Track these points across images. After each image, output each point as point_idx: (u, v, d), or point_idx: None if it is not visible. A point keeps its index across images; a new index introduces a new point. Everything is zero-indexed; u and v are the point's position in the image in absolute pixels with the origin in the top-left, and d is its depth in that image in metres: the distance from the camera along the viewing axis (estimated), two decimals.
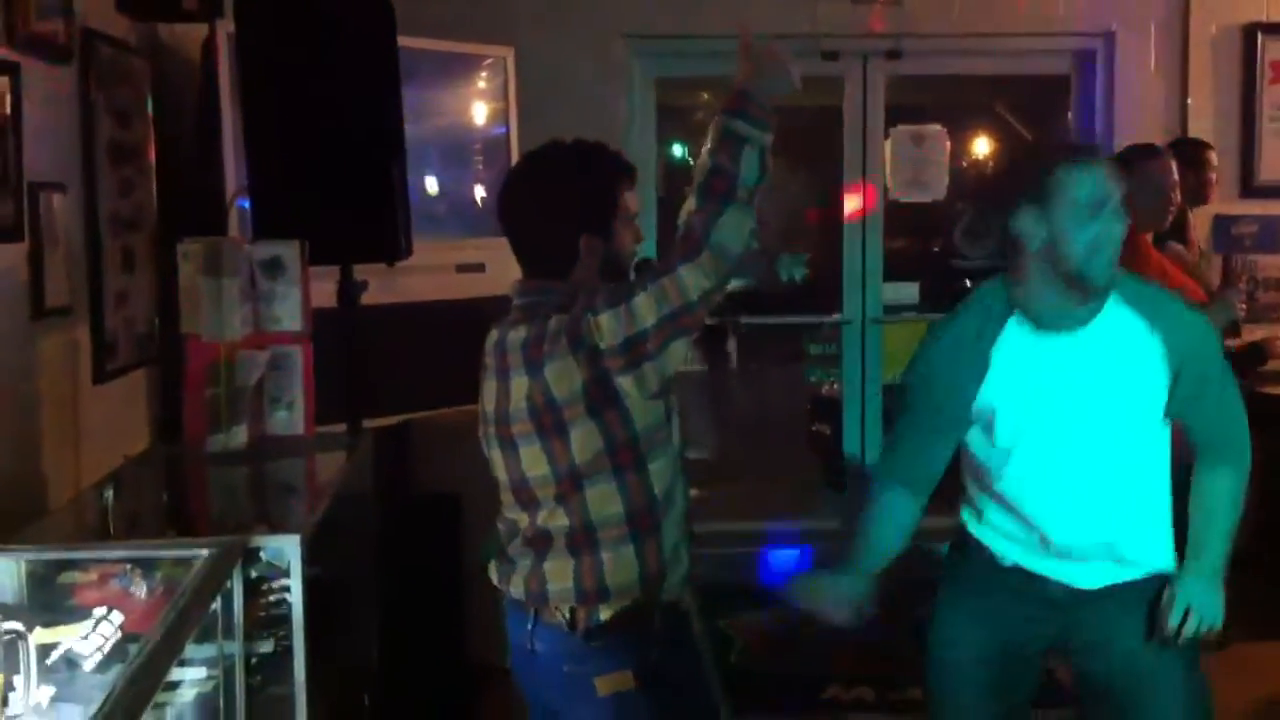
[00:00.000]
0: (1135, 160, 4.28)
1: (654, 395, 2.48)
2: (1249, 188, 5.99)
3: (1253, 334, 5.31)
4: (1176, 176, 4.33)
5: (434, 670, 4.12)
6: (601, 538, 2.53)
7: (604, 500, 2.51)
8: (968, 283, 8.09)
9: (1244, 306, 4.94)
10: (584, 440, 2.47)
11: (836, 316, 6.21)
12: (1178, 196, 4.62)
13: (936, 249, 8.96)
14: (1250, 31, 5.97)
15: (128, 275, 3.71)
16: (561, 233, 2.57)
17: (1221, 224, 5.85)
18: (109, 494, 2.99)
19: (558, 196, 2.60)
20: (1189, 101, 5.96)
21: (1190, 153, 5.18)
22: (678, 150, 10.80)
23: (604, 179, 2.60)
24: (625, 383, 2.43)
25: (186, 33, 4.24)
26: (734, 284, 2.47)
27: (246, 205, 3.92)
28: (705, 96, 9.94)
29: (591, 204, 2.58)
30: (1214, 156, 5.26)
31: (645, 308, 2.40)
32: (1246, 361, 5.12)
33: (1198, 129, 5.82)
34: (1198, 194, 5.18)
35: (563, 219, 2.58)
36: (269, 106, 3.76)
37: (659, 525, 2.57)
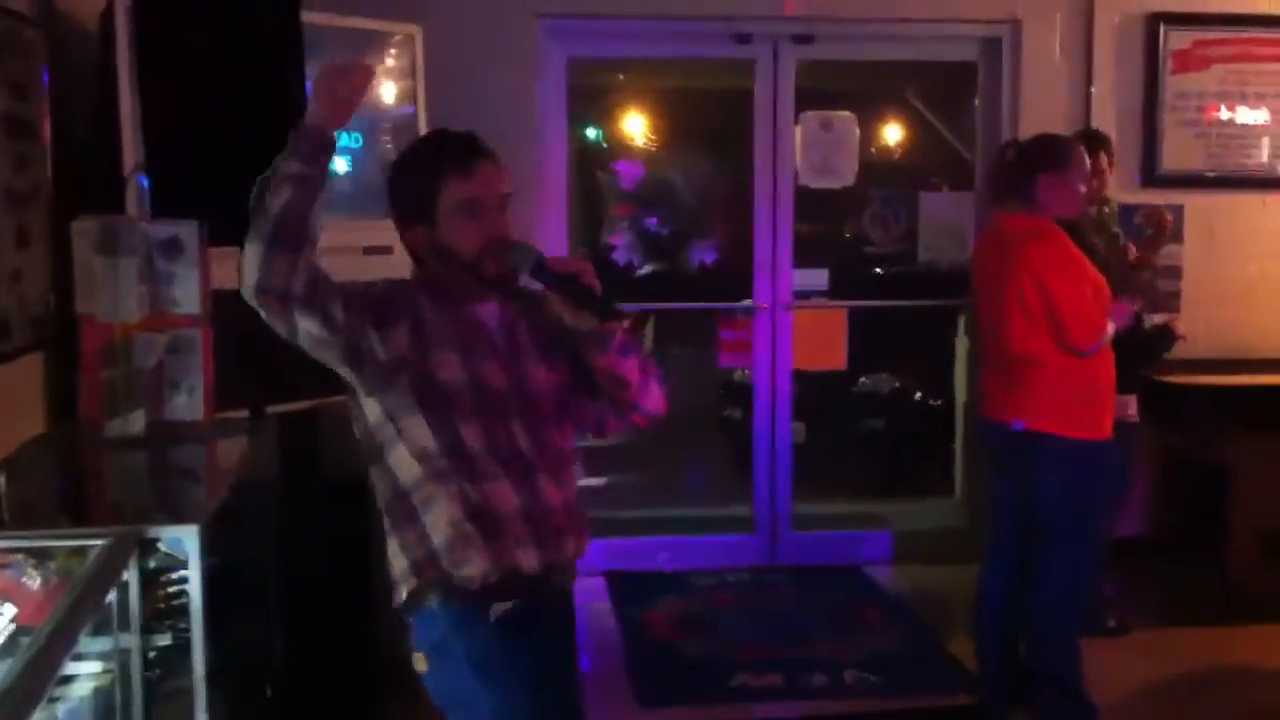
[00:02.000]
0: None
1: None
2: (1150, 177, 6.08)
3: (1153, 321, 5.40)
4: (1088, 165, 4.36)
5: (340, 662, 4.06)
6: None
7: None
8: (877, 270, 8.18)
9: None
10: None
11: (748, 302, 6.21)
12: (1094, 184, 4.69)
13: (847, 235, 9.01)
14: (1153, 21, 6.07)
15: (22, 252, 3.59)
16: (397, 224, 2.60)
17: (1123, 213, 5.92)
18: (1, 480, 2.89)
19: (391, 188, 2.62)
20: (1093, 90, 6.04)
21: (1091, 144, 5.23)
22: (590, 132, 10.76)
23: (422, 169, 2.56)
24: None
25: (84, 3, 4.11)
26: None
27: (147, 183, 3.81)
28: (620, 77, 9.92)
29: (411, 194, 2.55)
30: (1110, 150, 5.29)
31: None
32: (1157, 345, 5.21)
33: (1101, 118, 5.92)
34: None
35: (395, 211, 2.60)
36: (169, 81, 3.67)
37: (415, 512, 2.52)
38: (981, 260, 4.35)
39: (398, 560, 2.57)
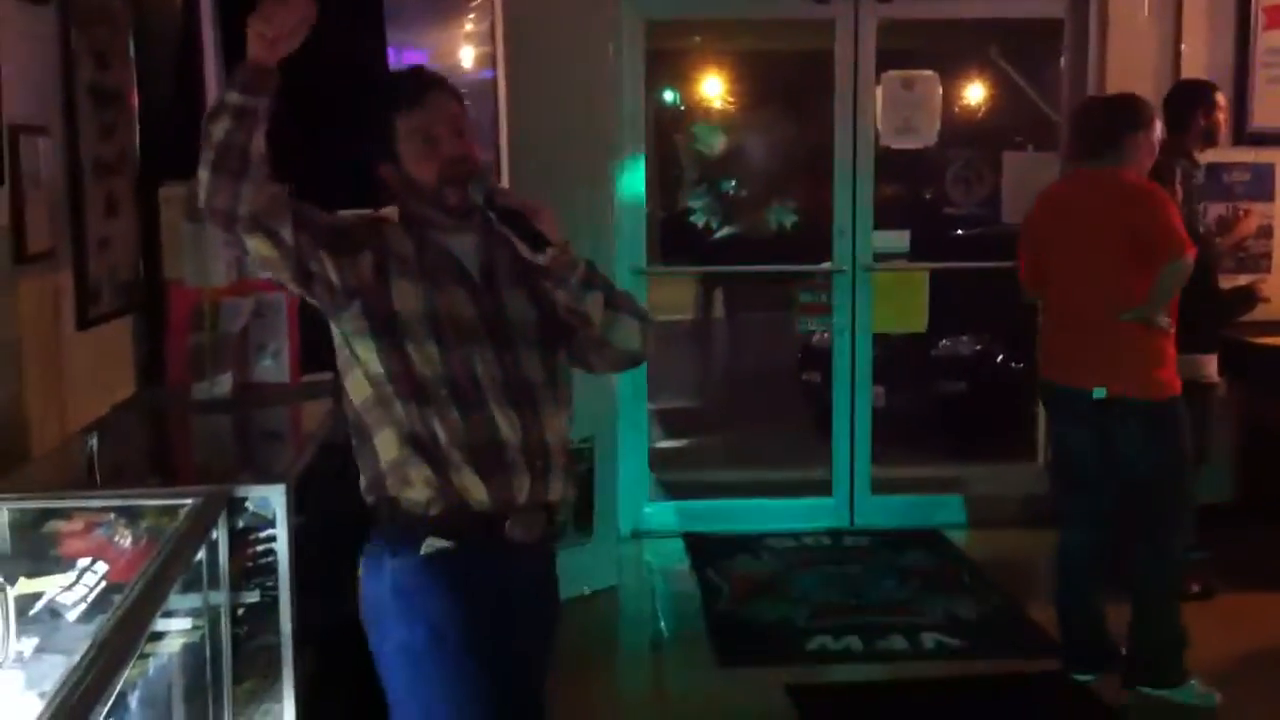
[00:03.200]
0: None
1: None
2: (1242, 135, 5.95)
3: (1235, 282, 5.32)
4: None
5: None
6: None
7: None
8: (959, 231, 8.09)
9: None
10: None
11: (827, 265, 6.17)
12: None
13: (928, 196, 8.92)
14: None
15: (111, 220, 3.66)
16: (369, 165, 2.60)
17: (1214, 171, 5.81)
18: (93, 442, 2.96)
19: (355, 133, 2.64)
20: (1183, 47, 5.91)
21: (1199, 93, 5.15)
22: (668, 95, 10.73)
23: (378, 107, 2.57)
24: None
25: None
26: None
27: None
28: (696, 40, 9.88)
29: (370, 132, 2.56)
30: (1222, 97, 5.22)
31: None
32: (1235, 306, 5.12)
33: (1191, 75, 5.78)
34: (1209, 135, 5.16)
35: (364, 152, 2.60)
36: None
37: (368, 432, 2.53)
38: (1064, 217, 4.27)
39: (361, 476, 2.56)
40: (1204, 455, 4.97)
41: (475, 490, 2.46)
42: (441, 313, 2.48)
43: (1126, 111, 4.19)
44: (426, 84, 2.57)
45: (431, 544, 2.46)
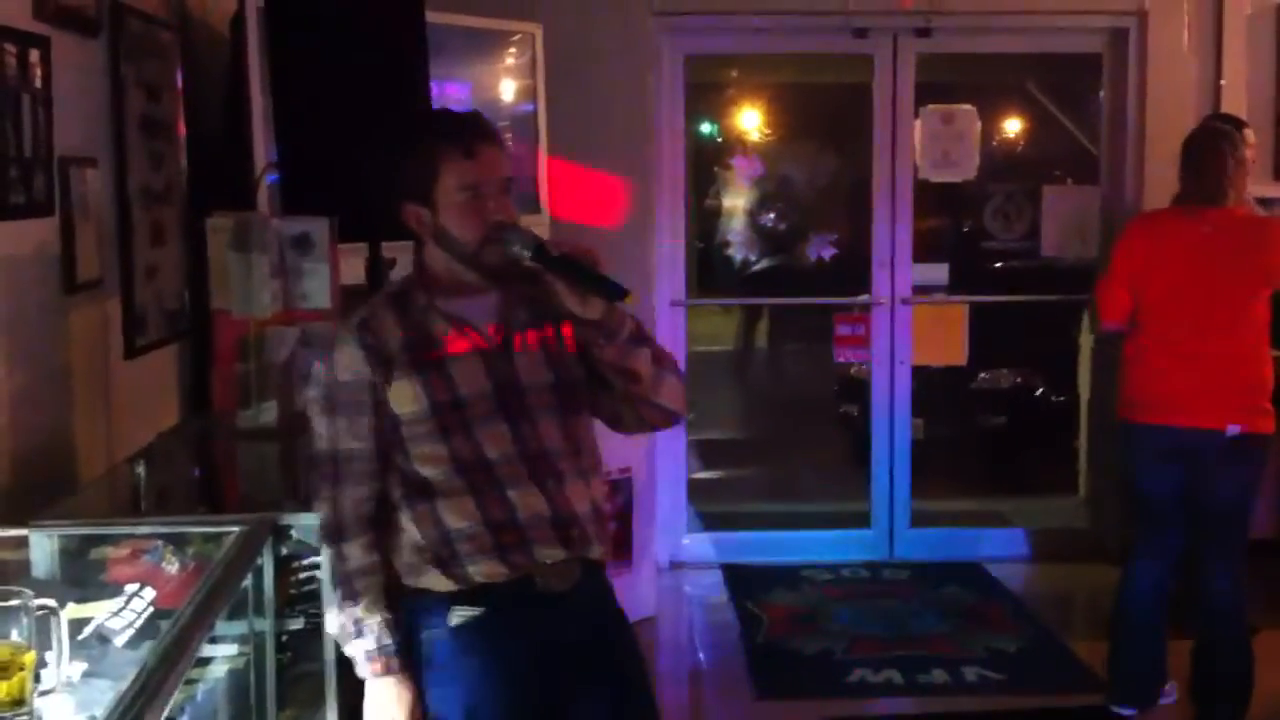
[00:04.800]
0: None
1: None
2: None
3: None
4: None
5: None
6: None
7: None
8: (998, 264, 8.06)
9: None
10: None
11: (865, 297, 6.17)
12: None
13: (966, 229, 8.90)
14: None
15: (158, 249, 3.71)
16: (388, 199, 2.46)
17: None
18: (140, 469, 2.99)
19: (386, 165, 2.48)
20: (1222, 82, 5.89)
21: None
22: (705, 128, 10.76)
23: (419, 146, 2.43)
24: None
25: (216, 6, 4.23)
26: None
27: (276, 181, 3.91)
28: (734, 74, 9.91)
29: (406, 170, 2.43)
30: (1251, 135, 5.21)
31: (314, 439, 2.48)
32: None
33: (1231, 109, 5.75)
34: None
35: (386, 185, 2.46)
36: (298, 81, 3.76)
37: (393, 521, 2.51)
38: (1193, 254, 4.13)
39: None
40: None
41: (495, 572, 2.40)
42: (441, 401, 2.38)
43: (1237, 146, 4.21)
44: (481, 135, 2.41)
45: (461, 614, 2.42)
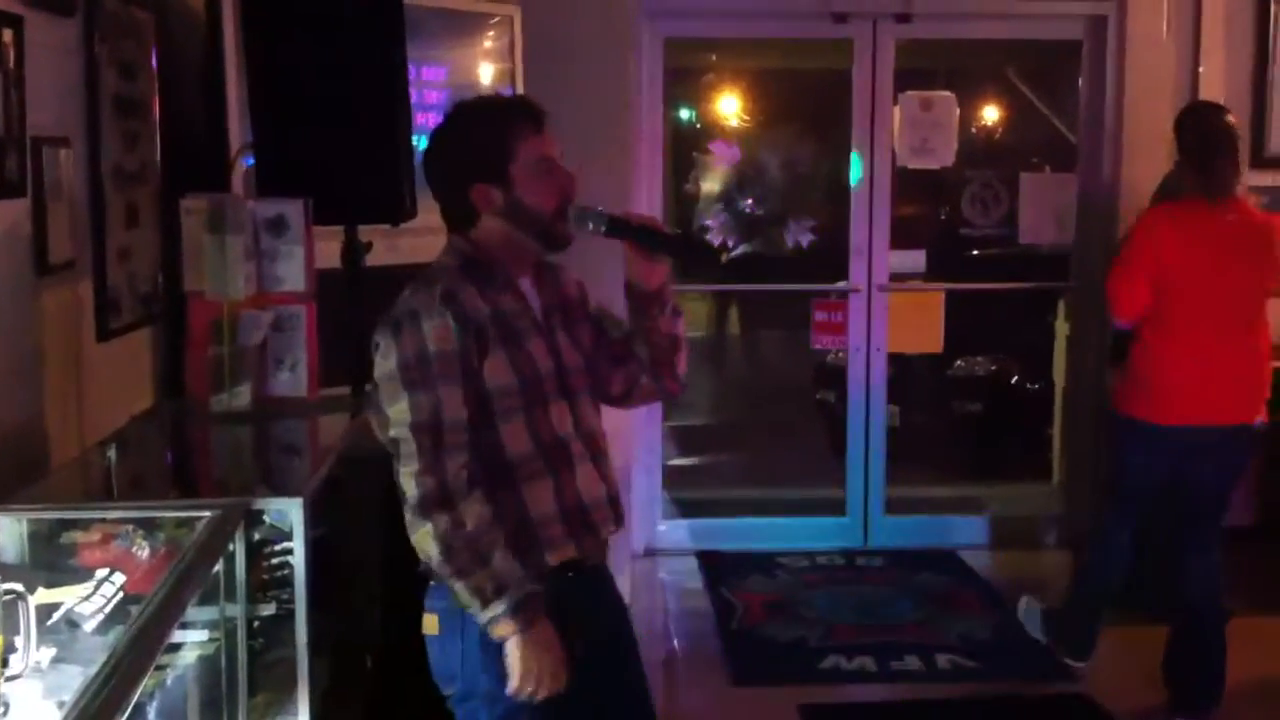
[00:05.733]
0: None
1: None
2: (1259, 158, 5.93)
3: None
4: None
5: None
6: None
7: None
8: (975, 252, 8.08)
9: None
10: None
11: (843, 284, 6.17)
12: None
13: (944, 217, 8.92)
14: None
15: (131, 231, 3.68)
16: (453, 184, 2.54)
17: None
18: (112, 453, 2.97)
19: (447, 147, 2.57)
20: (1200, 70, 5.90)
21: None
22: (684, 113, 10.74)
23: (491, 126, 2.52)
24: None
25: None
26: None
27: (251, 162, 3.88)
28: (713, 57, 9.90)
29: (478, 151, 2.51)
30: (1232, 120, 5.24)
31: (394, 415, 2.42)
32: None
33: (1209, 97, 5.76)
34: None
35: (452, 170, 2.55)
36: (274, 62, 3.73)
37: None
38: (1222, 249, 4.13)
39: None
40: None
41: (566, 552, 2.50)
42: (528, 376, 2.48)
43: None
44: (543, 113, 2.55)
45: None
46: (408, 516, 2.40)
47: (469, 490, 2.38)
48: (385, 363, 2.42)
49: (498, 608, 2.36)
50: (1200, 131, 4.23)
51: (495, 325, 2.46)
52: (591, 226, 2.49)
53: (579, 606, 2.53)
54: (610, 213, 2.51)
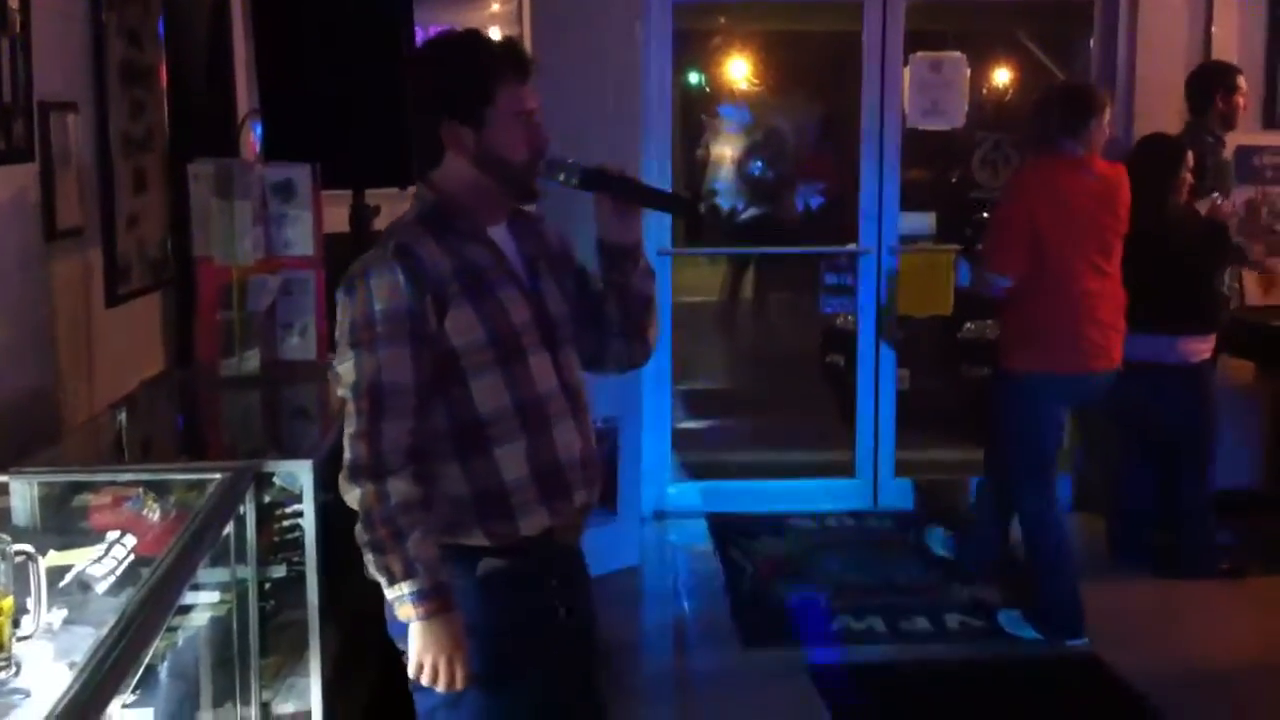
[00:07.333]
0: None
1: None
2: (1273, 118, 5.90)
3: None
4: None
5: None
6: None
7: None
8: (985, 214, 8.05)
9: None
10: None
11: (853, 247, 6.16)
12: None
13: (954, 179, 8.88)
14: None
15: (140, 197, 3.68)
16: (424, 113, 2.40)
17: (1244, 155, 5.77)
18: (122, 417, 2.99)
19: (420, 80, 2.43)
20: (1213, 29, 5.85)
21: (1218, 76, 5.19)
22: (693, 77, 10.69)
23: (473, 65, 2.37)
24: None
25: None
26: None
27: (259, 127, 3.89)
28: (722, 20, 9.84)
29: (453, 88, 2.36)
30: (1243, 82, 5.25)
31: (342, 374, 2.34)
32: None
33: (1222, 57, 5.73)
34: (1227, 118, 5.25)
35: (426, 98, 2.40)
36: (281, 28, 3.73)
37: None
38: (1085, 205, 4.44)
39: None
40: None
41: (539, 519, 2.39)
42: (499, 329, 2.35)
43: (1092, 100, 4.49)
44: (530, 62, 2.41)
45: (488, 564, 2.39)
46: (340, 477, 2.32)
47: (404, 464, 2.27)
48: (342, 321, 2.33)
49: (401, 589, 2.26)
50: (1074, 97, 4.60)
51: (459, 278, 2.33)
52: (563, 178, 2.38)
53: (543, 576, 2.45)
54: (584, 164, 2.40)
